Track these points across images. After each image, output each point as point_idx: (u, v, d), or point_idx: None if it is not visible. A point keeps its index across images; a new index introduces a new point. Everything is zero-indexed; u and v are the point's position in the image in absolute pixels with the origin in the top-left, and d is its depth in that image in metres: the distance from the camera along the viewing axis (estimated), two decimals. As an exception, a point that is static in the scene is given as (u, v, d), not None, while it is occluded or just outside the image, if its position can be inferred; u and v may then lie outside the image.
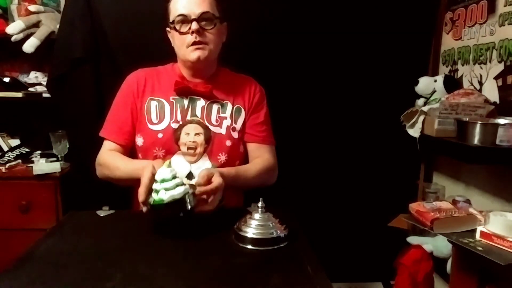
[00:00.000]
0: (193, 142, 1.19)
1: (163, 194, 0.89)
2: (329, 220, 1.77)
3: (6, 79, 1.82)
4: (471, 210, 1.15)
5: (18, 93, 1.78)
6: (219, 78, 1.30)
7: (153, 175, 0.95)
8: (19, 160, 1.79)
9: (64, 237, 0.94)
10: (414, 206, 1.20)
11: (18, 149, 1.87)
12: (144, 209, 0.94)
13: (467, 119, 1.29)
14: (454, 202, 1.38)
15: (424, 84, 1.63)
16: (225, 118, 1.24)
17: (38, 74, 1.93)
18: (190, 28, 1.16)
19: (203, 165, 1.19)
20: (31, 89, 1.82)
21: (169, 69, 1.32)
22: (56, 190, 1.70)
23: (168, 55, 1.38)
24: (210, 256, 0.84)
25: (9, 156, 1.81)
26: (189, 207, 0.92)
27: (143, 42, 1.62)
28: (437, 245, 1.42)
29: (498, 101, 1.37)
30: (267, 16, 1.67)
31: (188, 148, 1.19)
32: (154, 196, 0.91)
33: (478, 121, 1.23)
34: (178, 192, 0.90)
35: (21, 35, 1.72)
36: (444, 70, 1.72)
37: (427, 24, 1.75)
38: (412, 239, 1.50)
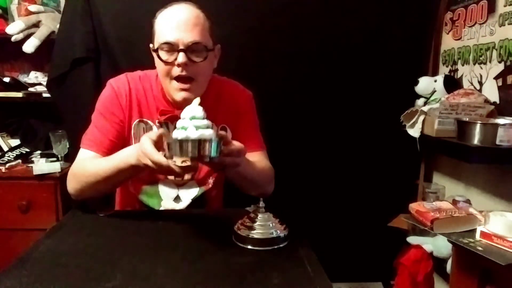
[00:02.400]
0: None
1: (193, 131, 0.80)
2: (329, 220, 1.77)
3: (6, 79, 1.82)
4: (471, 210, 1.15)
5: (18, 93, 1.78)
6: (206, 97, 1.08)
7: (160, 135, 0.88)
8: (19, 160, 1.79)
9: (64, 237, 0.94)
10: (414, 206, 1.20)
11: (18, 149, 1.87)
12: (177, 164, 0.82)
13: (467, 119, 1.29)
14: (454, 202, 1.38)
15: (424, 84, 1.63)
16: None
17: (38, 74, 1.93)
18: (176, 59, 1.01)
19: (191, 189, 1.17)
20: (31, 89, 1.82)
21: (154, 85, 1.16)
22: (56, 190, 1.70)
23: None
24: (210, 256, 0.84)
25: (9, 156, 1.81)
26: (216, 154, 0.83)
27: (143, 42, 1.61)
28: (437, 245, 1.43)
29: (498, 101, 1.37)
30: (267, 17, 1.67)
31: (176, 176, 1.15)
32: (181, 133, 0.80)
33: (478, 121, 1.23)
34: (209, 133, 0.81)
35: (21, 35, 1.72)
36: (444, 70, 1.72)
37: (427, 24, 1.75)
38: (412, 239, 1.50)
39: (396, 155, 1.78)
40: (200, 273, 0.77)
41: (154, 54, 1.07)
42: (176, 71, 1.03)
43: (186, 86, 1.04)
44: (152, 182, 1.17)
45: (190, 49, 1.01)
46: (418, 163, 1.82)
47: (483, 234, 1.02)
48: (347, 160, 1.79)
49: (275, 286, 0.72)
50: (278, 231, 0.90)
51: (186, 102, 0.99)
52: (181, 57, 1.00)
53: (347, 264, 1.80)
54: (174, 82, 1.04)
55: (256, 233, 0.88)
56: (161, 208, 1.18)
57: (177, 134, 0.81)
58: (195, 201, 1.19)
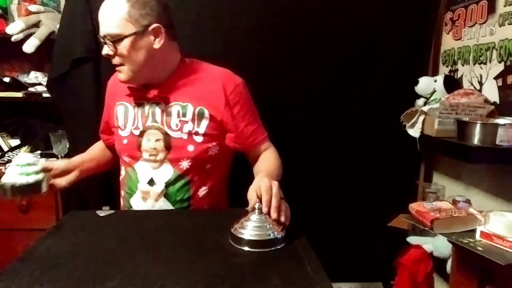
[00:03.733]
0: (154, 148, 1.16)
1: (25, 177, 0.99)
2: (329, 220, 1.77)
3: (6, 79, 1.82)
4: (471, 210, 1.15)
5: (18, 93, 1.78)
6: (178, 79, 1.18)
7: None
8: (19, 160, 1.79)
9: (64, 237, 0.94)
10: (414, 206, 1.20)
11: (18, 149, 1.87)
12: None
13: (467, 119, 1.29)
14: (454, 202, 1.38)
15: (424, 84, 1.63)
16: (186, 122, 1.15)
17: (38, 74, 1.93)
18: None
19: (165, 172, 1.16)
20: (31, 89, 1.82)
21: None
22: (56, 190, 1.70)
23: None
24: (210, 256, 0.84)
25: (9, 156, 1.81)
26: (43, 191, 1.03)
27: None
28: (437, 245, 1.43)
29: (498, 101, 1.37)
30: (267, 17, 1.67)
31: (150, 155, 1.16)
32: (15, 178, 0.99)
33: (478, 121, 1.23)
34: (42, 176, 1.02)
35: (21, 35, 1.72)
36: (444, 70, 1.72)
37: (427, 24, 1.75)
38: (412, 239, 1.50)
39: (396, 155, 1.78)
40: (200, 273, 0.77)
41: None
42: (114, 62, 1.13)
43: (119, 68, 1.13)
44: (131, 163, 1.21)
45: (110, 39, 1.08)
46: (418, 163, 1.82)
47: (483, 234, 1.02)
48: (347, 160, 1.79)
49: (275, 286, 0.72)
50: (275, 232, 0.89)
51: (127, 82, 1.15)
52: (104, 50, 1.10)
53: (347, 264, 1.80)
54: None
55: (253, 235, 0.88)
56: (138, 192, 1.19)
57: (9, 179, 0.99)
58: (175, 192, 1.17)
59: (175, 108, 1.16)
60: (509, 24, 1.32)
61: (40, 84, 1.86)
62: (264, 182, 0.93)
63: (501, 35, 1.35)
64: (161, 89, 1.17)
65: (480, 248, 0.97)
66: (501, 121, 1.24)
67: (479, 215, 1.10)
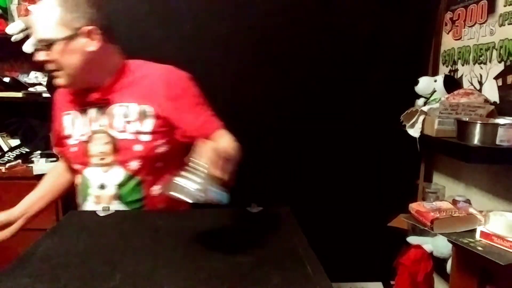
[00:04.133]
0: (101, 152, 1.15)
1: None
2: (329, 220, 1.77)
3: (6, 79, 1.82)
4: (471, 210, 1.15)
5: (18, 93, 1.78)
6: (120, 79, 1.16)
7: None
8: (19, 160, 1.79)
9: (64, 237, 0.94)
10: (414, 206, 1.20)
11: (18, 149, 1.87)
12: None
13: (467, 119, 1.29)
14: (454, 202, 1.38)
15: (424, 84, 1.63)
16: (130, 122, 1.14)
17: (38, 74, 1.93)
18: None
19: (115, 174, 1.15)
20: (31, 89, 1.82)
21: None
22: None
23: (168, 54, 1.37)
24: (210, 256, 0.84)
25: (9, 156, 1.81)
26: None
27: (143, 42, 1.62)
28: (437, 245, 1.43)
29: (498, 101, 1.37)
30: (267, 17, 1.67)
31: (99, 159, 1.15)
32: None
33: (478, 121, 1.23)
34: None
35: (21, 35, 1.72)
36: (444, 70, 1.72)
37: (427, 24, 1.75)
38: (412, 239, 1.50)
39: (396, 155, 1.78)
40: (200, 273, 0.77)
41: None
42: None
43: (56, 73, 1.10)
44: (81, 170, 1.19)
45: (44, 44, 1.06)
46: (418, 163, 1.82)
47: (483, 234, 1.02)
48: (347, 160, 1.79)
49: (275, 286, 0.72)
50: (212, 186, 0.81)
51: (63, 86, 1.12)
52: (39, 56, 1.08)
53: (347, 264, 1.80)
54: None
55: (184, 181, 0.80)
56: (91, 197, 1.18)
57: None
58: (127, 193, 1.16)
59: (118, 109, 1.15)
60: (509, 24, 1.32)
61: (40, 84, 1.86)
62: (207, 143, 0.90)
63: (501, 35, 1.35)
64: (102, 92, 1.15)
65: (480, 248, 0.97)
66: (501, 121, 1.24)
67: (479, 215, 1.10)
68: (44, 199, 1.28)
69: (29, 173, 1.68)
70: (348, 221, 1.81)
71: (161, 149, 1.16)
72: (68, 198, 1.72)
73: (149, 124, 1.14)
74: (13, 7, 1.82)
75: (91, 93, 1.15)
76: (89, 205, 1.19)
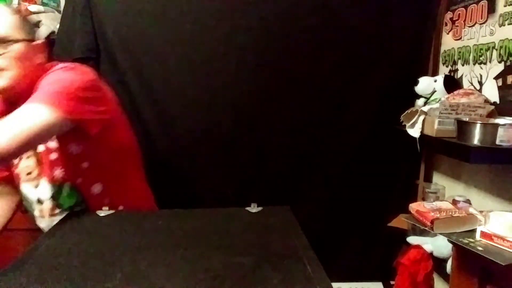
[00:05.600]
0: (27, 166, 1.14)
1: None
2: (329, 220, 1.77)
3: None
4: (471, 210, 1.15)
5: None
6: (25, 90, 1.05)
7: None
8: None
9: (64, 237, 0.94)
10: (414, 206, 1.20)
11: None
12: None
13: (467, 119, 1.29)
14: (454, 202, 1.38)
15: (424, 84, 1.63)
16: None
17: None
18: None
19: (46, 186, 1.13)
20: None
21: None
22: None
23: (168, 54, 1.38)
24: (210, 256, 0.84)
25: (9, 156, 1.81)
26: None
27: (143, 42, 1.62)
28: (437, 245, 1.43)
29: (498, 101, 1.37)
30: (267, 17, 1.67)
31: (26, 174, 1.14)
32: None
33: (478, 121, 1.23)
34: None
35: None
36: (444, 70, 1.72)
37: (427, 24, 1.75)
38: (412, 239, 1.50)
39: (396, 155, 1.78)
40: (200, 273, 0.77)
41: None
42: None
43: None
44: (18, 188, 1.18)
45: None
46: (418, 163, 1.82)
47: (483, 234, 1.02)
48: (347, 160, 1.79)
49: (275, 286, 0.72)
50: None
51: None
52: None
53: (347, 264, 1.80)
54: None
55: None
56: (35, 212, 1.18)
57: None
58: (66, 200, 1.14)
59: None
60: (509, 24, 1.32)
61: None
62: None
63: (501, 35, 1.35)
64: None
65: (480, 248, 0.97)
66: (501, 121, 1.23)
67: (479, 215, 1.10)
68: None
69: (29, 173, 1.68)
70: (348, 221, 1.81)
71: (75, 150, 1.11)
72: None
73: None
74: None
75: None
76: (38, 220, 1.20)
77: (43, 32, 1.74)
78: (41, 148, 1.11)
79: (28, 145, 0.96)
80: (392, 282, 1.70)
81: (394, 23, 1.71)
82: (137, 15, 1.61)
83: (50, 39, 1.09)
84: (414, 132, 1.53)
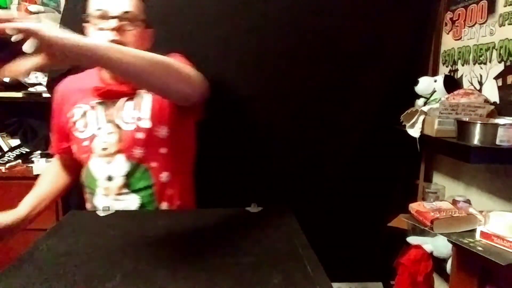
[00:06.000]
0: (104, 142, 1.16)
1: None
2: (329, 220, 1.77)
3: (6, 79, 1.82)
4: (471, 210, 1.15)
5: (18, 93, 1.78)
6: None
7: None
8: (19, 160, 1.79)
9: (64, 237, 0.94)
10: (414, 206, 1.20)
11: (18, 149, 1.87)
12: None
13: (467, 119, 1.29)
14: (454, 202, 1.38)
15: (424, 84, 1.63)
16: (133, 109, 1.17)
17: (38, 74, 1.93)
18: (108, 26, 1.07)
19: (120, 164, 1.16)
20: (31, 89, 1.82)
21: (93, 73, 1.24)
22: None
23: (168, 53, 1.36)
24: (210, 256, 0.84)
25: (9, 156, 1.81)
26: None
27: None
28: (437, 245, 1.43)
29: (498, 101, 1.37)
30: (267, 17, 1.67)
31: (102, 149, 1.16)
32: None
33: (478, 121, 1.23)
34: None
35: (21, 35, 1.72)
36: (444, 70, 1.72)
37: (427, 24, 1.75)
38: (412, 239, 1.50)
39: (396, 155, 1.78)
40: (200, 273, 0.77)
41: (87, 27, 1.13)
42: (108, 37, 1.07)
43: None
44: (86, 162, 1.19)
45: (121, 17, 1.08)
46: (418, 163, 1.82)
47: (483, 234, 1.02)
48: (347, 160, 1.78)
49: (275, 286, 0.72)
50: None
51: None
52: (113, 23, 1.07)
53: (347, 264, 1.80)
54: None
55: None
56: (98, 189, 1.18)
57: None
58: (136, 182, 1.16)
59: (132, 101, 1.17)
60: (509, 24, 1.32)
61: (40, 84, 1.85)
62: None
63: (501, 35, 1.35)
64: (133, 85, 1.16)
65: (480, 248, 0.97)
66: (501, 121, 1.23)
67: (479, 215, 1.10)
68: (45, 201, 1.27)
69: (29, 173, 1.68)
70: (348, 221, 1.80)
71: (162, 134, 1.17)
72: (68, 198, 1.73)
73: (146, 109, 1.16)
74: (13, 7, 1.82)
75: (117, 84, 1.17)
76: (99, 198, 1.19)
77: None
78: (129, 125, 1.14)
79: (168, 78, 0.99)
80: (392, 282, 1.69)
81: (394, 23, 1.71)
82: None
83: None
84: (414, 132, 1.53)
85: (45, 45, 0.77)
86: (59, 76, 1.63)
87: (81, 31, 1.60)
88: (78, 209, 1.17)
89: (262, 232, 0.99)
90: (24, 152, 1.85)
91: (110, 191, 1.17)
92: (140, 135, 1.15)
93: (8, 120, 1.97)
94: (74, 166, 1.28)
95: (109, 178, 1.17)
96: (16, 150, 1.86)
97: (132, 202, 1.17)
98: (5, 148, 1.88)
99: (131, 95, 1.17)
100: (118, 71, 0.97)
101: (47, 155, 1.81)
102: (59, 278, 0.74)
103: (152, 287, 0.72)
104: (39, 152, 1.86)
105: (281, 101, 1.68)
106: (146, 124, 1.15)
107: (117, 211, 1.12)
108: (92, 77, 1.22)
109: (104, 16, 1.08)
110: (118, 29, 1.07)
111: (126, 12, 1.09)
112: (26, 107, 1.93)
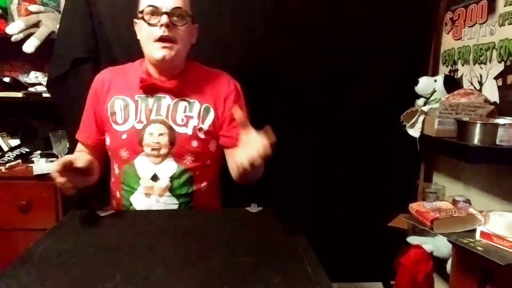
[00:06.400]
0: (157, 143, 1.16)
1: None
2: (329, 220, 1.77)
3: (6, 79, 1.82)
4: (471, 210, 1.15)
5: (18, 93, 1.77)
6: (188, 75, 1.24)
7: (70, 160, 1.00)
8: (19, 160, 1.79)
9: (64, 237, 0.94)
10: (414, 206, 1.20)
11: (18, 149, 1.87)
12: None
13: (467, 119, 1.29)
14: (454, 202, 1.38)
15: (424, 84, 1.63)
16: (192, 117, 1.19)
17: (38, 74, 1.93)
18: (159, 21, 1.11)
19: (168, 167, 1.17)
20: (31, 89, 1.82)
21: (137, 66, 1.27)
22: (56, 190, 1.70)
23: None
24: (210, 256, 0.84)
25: (9, 156, 1.81)
26: None
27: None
28: (437, 245, 1.43)
29: (498, 101, 1.37)
30: (268, 17, 1.67)
31: (152, 149, 1.16)
32: None
33: (478, 121, 1.23)
34: None
35: (21, 35, 1.72)
36: (444, 70, 1.72)
37: (427, 24, 1.75)
38: (412, 239, 1.50)
39: (396, 155, 1.78)
40: (200, 273, 0.77)
41: (140, 23, 1.18)
42: (159, 32, 1.12)
43: (167, 44, 1.13)
44: (130, 159, 1.19)
45: (172, 13, 1.12)
46: (418, 163, 1.82)
47: (483, 234, 1.02)
48: (347, 160, 1.78)
49: (275, 286, 0.72)
50: None
51: (165, 60, 1.13)
52: (164, 19, 1.11)
53: (347, 264, 1.80)
54: (157, 43, 1.13)
55: None
56: (140, 188, 1.18)
57: None
58: (179, 187, 1.18)
59: (182, 103, 1.20)
60: (509, 24, 1.32)
61: (40, 84, 1.85)
62: (264, 143, 0.92)
63: (501, 35, 1.35)
64: (178, 82, 1.20)
65: (480, 248, 0.97)
66: (501, 121, 1.23)
67: (479, 215, 1.10)
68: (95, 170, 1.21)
69: (29, 173, 1.68)
70: (348, 221, 1.81)
71: (212, 148, 1.23)
72: (68, 198, 1.73)
73: (208, 123, 1.20)
74: (13, 7, 1.82)
75: (162, 81, 1.20)
76: (137, 197, 1.19)
77: (43, 32, 1.75)
78: (186, 131, 1.17)
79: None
80: (392, 282, 1.70)
81: (394, 23, 1.71)
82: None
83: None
84: (414, 132, 1.53)
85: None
86: (59, 76, 1.64)
87: (81, 30, 1.61)
88: (78, 209, 1.17)
89: (262, 232, 0.99)
90: (24, 152, 1.85)
91: (153, 191, 1.17)
92: (195, 144, 1.18)
93: (8, 120, 1.97)
94: (100, 160, 1.28)
95: (154, 178, 1.17)
96: (16, 150, 1.86)
97: (171, 205, 1.18)
98: (5, 148, 1.88)
99: (174, 93, 1.20)
100: (247, 179, 1.09)
101: (47, 155, 1.81)
102: (59, 278, 0.74)
103: (152, 287, 0.72)
104: (39, 152, 1.85)
105: (280, 101, 1.68)
106: (203, 135, 1.19)
107: (117, 211, 1.12)
108: (137, 70, 1.25)
109: (155, 12, 1.12)
110: (168, 25, 1.11)
111: (177, 8, 1.13)
112: (26, 107, 1.93)
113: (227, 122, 1.23)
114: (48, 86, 1.69)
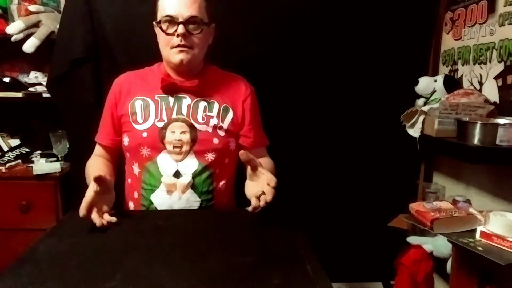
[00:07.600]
0: (179, 140, 1.18)
1: None
2: (329, 220, 1.77)
3: (6, 79, 1.82)
4: (471, 210, 1.15)
5: (18, 93, 1.77)
6: (206, 76, 1.27)
7: (95, 192, 0.99)
8: (19, 160, 1.79)
9: (64, 237, 0.94)
10: (414, 206, 1.20)
11: (18, 149, 1.87)
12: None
13: (467, 119, 1.29)
14: (454, 202, 1.38)
15: (424, 84, 1.63)
16: (212, 117, 1.22)
17: (38, 74, 1.93)
18: (176, 30, 1.15)
19: (190, 163, 1.19)
20: (31, 89, 1.82)
21: (155, 69, 1.31)
22: (56, 190, 1.70)
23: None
24: (210, 256, 0.84)
25: (9, 156, 1.81)
26: None
27: (143, 42, 1.61)
28: (437, 245, 1.43)
29: (498, 101, 1.37)
30: (268, 17, 1.67)
31: (174, 147, 1.18)
32: None
33: (478, 121, 1.23)
34: None
35: (21, 35, 1.72)
36: (444, 70, 1.72)
37: (427, 24, 1.75)
38: (412, 239, 1.50)
39: (396, 155, 1.78)
40: (200, 273, 0.77)
41: (157, 28, 1.20)
42: (176, 41, 1.16)
43: (184, 48, 1.17)
44: (152, 157, 1.20)
45: (188, 22, 1.15)
46: (418, 163, 1.82)
47: (483, 234, 1.02)
48: (347, 160, 1.79)
49: (275, 286, 0.72)
50: None
51: (182, 63, 1.18)
52: (180, 29, 1.14)
53: (347, 264, 1.80)
54: (174, 49, 1.18)
55: None
56: (161, 186, 1.19)
57: None
58: (201, 183, 1.19)
59: (202, 103, 1.23)
60: (509, 24, 1.32)
61: (40, 84, 1.85)
62: (273, 180, 1.01)
63: (501, 35, 1.35)
64: (198, 83, 1.23)
65: (480, 248, 0.97)
66: (501, 121, 1.24)
67: (479, 215, 1.10)
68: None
69: (29, 173, 1.68)
70: (348, 221, 1.81)
71: (232, 146, 1.26)
72: (68, 198, 1.73)
73: (227, 121, 1.24)
74: (13, 7, 1.82)
75: (181, 81, 1.24)
76: (158, 195, 1.20)
77: (43, 32, 1.75)
78: (207, 129, 1.21)
79: None
80: (392, 282, 1.69)
81: (394, 23, 1.71)
82: (137, 15, 1.60)
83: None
84: (414, 132, 1.53)
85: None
86: (59, 76, 1.64)
87: (81, 30, 1.61)
88: (78, 209, 1.17)
89: (262, 232, 0.99)
90: (24, 152, 1.85)
91: (175, 188, 1.18)
92: (216, 141, 1.21)
93: (8, 120, 1.97)
94: (115, 162, 1.31)
95: (177, 175, 1.18)
96: (16, 150, 1.86)
97: (194, 203, 1.19)
98: (5, 148, 1.88)
99: (194, 93, 1.23)
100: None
101: (47, 155, 1.81)
102: (59, 278, 0.74)
103: (152, 287, 0.72)
104: (39, 152, 1.85)
105: (280, 101, 1.68)
106: (223, 133, 1.23)
107: (117, 211, 1.12)
108: (155, 73, 1.29)
109: (172, 22, 1.16)
110: (184, 34, 1.15)
111: (193, 17, 1.16)
112: (26, 107, 1.93)
113: (246, 123, 1.29)
114: (48, 86, 1.69)
